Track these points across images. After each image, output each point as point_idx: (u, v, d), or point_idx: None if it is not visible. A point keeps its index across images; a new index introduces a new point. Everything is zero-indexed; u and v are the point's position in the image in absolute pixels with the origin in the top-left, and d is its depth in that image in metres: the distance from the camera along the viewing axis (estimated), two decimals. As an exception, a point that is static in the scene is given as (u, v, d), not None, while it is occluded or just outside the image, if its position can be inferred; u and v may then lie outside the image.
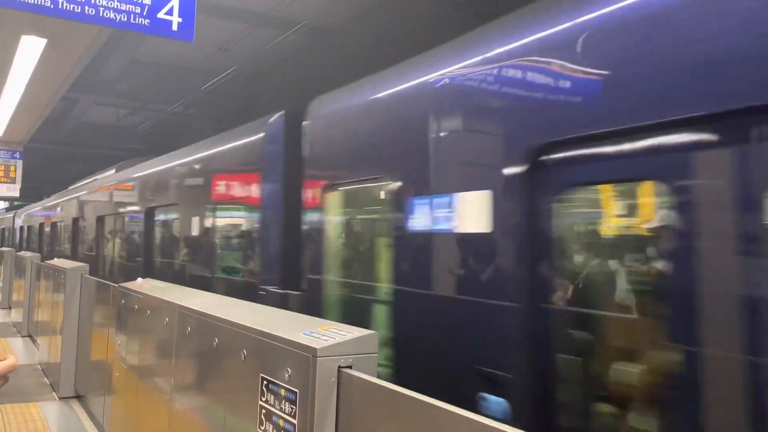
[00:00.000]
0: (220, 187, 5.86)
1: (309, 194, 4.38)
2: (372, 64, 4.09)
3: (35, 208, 20.37)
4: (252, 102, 14.89)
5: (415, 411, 1.91)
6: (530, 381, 2.61)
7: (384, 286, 3.70)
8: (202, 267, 6.26)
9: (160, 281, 5.10)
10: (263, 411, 2.51)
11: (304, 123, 4.51)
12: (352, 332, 2.38)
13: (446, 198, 3.09)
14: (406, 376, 3.21)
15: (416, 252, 3.29)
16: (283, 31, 11.50)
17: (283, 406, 2.37)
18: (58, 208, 15.32)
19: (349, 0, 10.27)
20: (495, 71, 2.88)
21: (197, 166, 6.58)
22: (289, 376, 2.35)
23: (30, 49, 7.03)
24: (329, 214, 4.21)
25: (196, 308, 3.37)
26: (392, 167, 3.51)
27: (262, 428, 2.50)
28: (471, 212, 2.93)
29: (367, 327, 2.50)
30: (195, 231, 6.51)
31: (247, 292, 4.95)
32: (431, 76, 3.32)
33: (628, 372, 2.52)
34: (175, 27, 4.63)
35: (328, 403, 2.22)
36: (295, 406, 2.29)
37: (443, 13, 9.41)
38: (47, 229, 16.89)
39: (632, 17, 2.35)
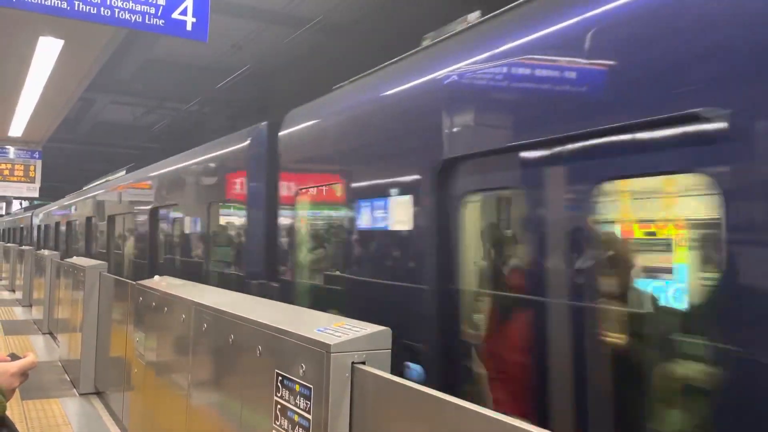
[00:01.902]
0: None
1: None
2: (386, 60, 4.09)
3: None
4: (266, 99, 14.96)
5: (428, 406, 1.92)
6: None
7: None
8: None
9: (176, 279, 5.16)
10: (278, 406, 2.53)
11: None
12: (365, 328, 2.39)
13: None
14: None
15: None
16: (296, 28, 11.52)
17: (298, 402, 2.40)
18: None
19: (362, -4, 10.27)
20: None
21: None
22: (303, 371, 2.38)
23: (47, 50, 7.12)
24: None
25: (212, 305, 3.41)
26: None
27: (278, 423, 2.53)
28: None
29: None
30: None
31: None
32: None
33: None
34: (189, 27, 4.66)
35: (342, 399, 2.24)
36: (310, 401, 2.32)
37: (459, 7, 9.36)
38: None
39: None
